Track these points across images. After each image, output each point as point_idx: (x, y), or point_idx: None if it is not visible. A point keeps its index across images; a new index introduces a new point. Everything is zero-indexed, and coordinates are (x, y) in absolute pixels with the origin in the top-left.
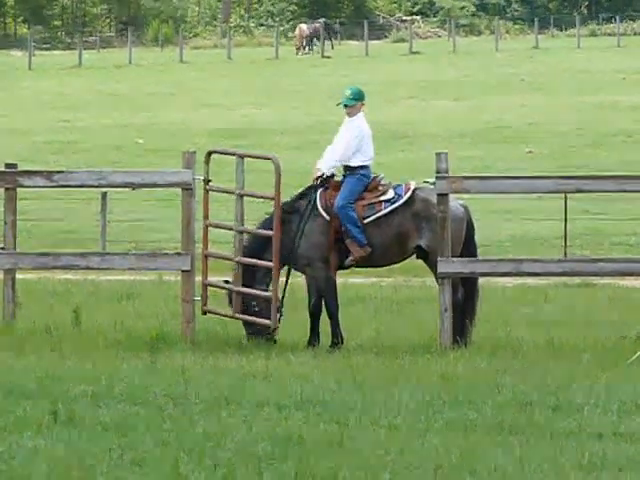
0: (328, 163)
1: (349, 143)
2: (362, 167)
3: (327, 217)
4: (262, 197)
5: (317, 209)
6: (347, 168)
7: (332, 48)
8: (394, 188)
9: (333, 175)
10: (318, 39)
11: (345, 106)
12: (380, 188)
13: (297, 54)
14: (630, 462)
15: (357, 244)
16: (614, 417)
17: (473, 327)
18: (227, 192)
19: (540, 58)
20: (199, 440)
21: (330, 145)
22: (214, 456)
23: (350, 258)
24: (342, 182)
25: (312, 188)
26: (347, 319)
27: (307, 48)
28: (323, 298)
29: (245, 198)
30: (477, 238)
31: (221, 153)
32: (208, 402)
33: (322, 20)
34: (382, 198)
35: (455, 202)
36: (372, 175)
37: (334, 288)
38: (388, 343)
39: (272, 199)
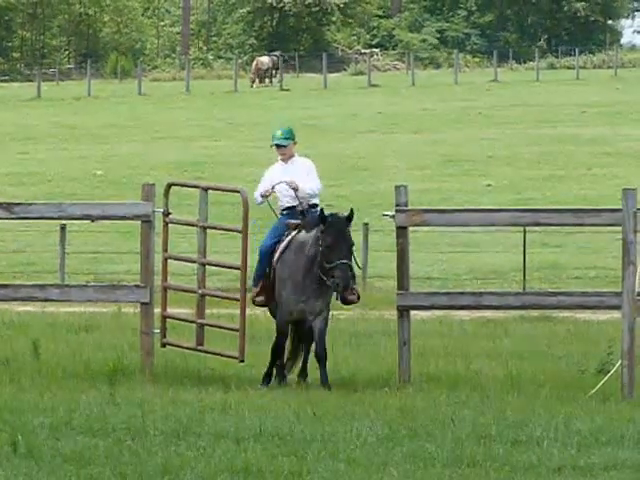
0: (307, 189)
1: (318, 180)
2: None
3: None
4: (229, 230)
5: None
6: (313, 206)
7: (278, 82)
8: None
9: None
10: (277, 71)
11: (278, 146)
12: None
13: (252, 86)
14: None
15: None
16: (573, 451)
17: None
18: (189, 224)
19: (499, 91)
20: (158, 472)
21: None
22: None
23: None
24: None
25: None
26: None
27: (267, 81)
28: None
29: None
30: (436, 271)
31: (181, 185)
32: (167, 434)
33: (278, 53)
34: None
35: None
36: None
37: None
38: (346, 376)
39: (239, 232)
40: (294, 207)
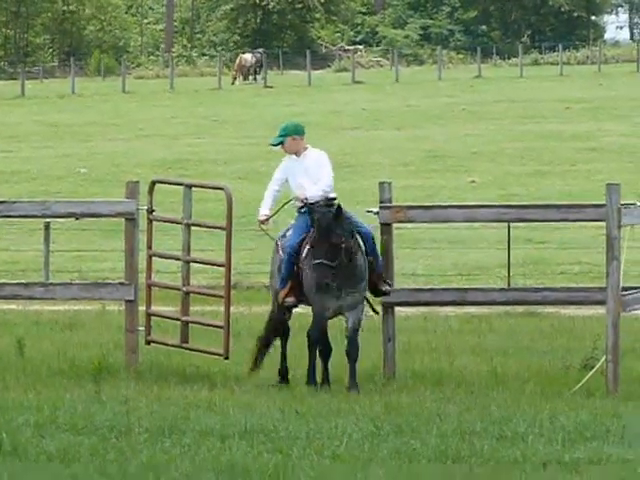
0: (317, 193)
1: (332, 172)
2: None
3: None
4: (213, 227)
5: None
6: (332, 200)
7: (261, 79)
8: None
9: None
10: (261, 69)
11: (275, 145)
12: None
13: (233, 83)
14: None
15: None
16: (558, 446)
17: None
18: (173, 222)
19: (483, 87)
20: (143, 470)
21: (271, 184)
22: None
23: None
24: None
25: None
26: (291, 349)
27: (251, 78)
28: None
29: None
30: (421, 267)
31: (165, 183)
32: (152, 432)
33: (261, 50)
34: None
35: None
36: None
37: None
38: (331, 372)
39: (224, 229)
40: (313, 204)
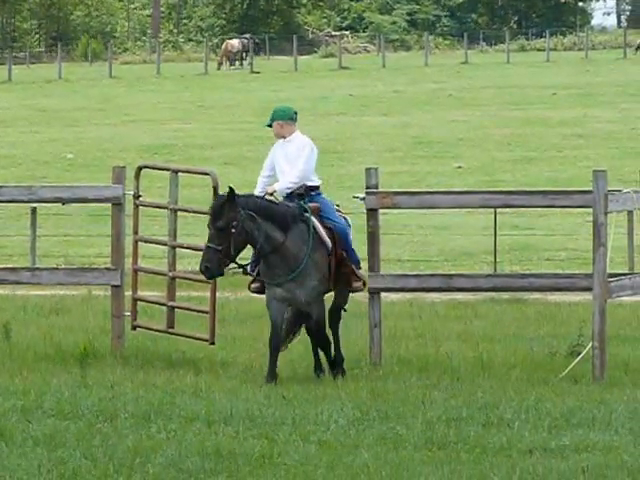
0: (284, 185)
1: (308, 163)
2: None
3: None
4: (200, 212)
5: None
6: (312, 188)
7: (248, 64)
8: None
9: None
10: (247, 54)
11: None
12: None
13: (218, 69)
14: (560, 478)
15: (357, 267)
16: (544, 433)
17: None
18: (159, 207)
19: (469, 73)
20: (129, 455)
21: (261, 170)
22: (144, 471)
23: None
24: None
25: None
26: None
27: (237, 63)
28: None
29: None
30: (407, 253)
31: (152, 168)
32: (138, 417)
33: (248, 35)
34: None
35: None
36: None
37: None
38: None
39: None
40: (291, 193)
